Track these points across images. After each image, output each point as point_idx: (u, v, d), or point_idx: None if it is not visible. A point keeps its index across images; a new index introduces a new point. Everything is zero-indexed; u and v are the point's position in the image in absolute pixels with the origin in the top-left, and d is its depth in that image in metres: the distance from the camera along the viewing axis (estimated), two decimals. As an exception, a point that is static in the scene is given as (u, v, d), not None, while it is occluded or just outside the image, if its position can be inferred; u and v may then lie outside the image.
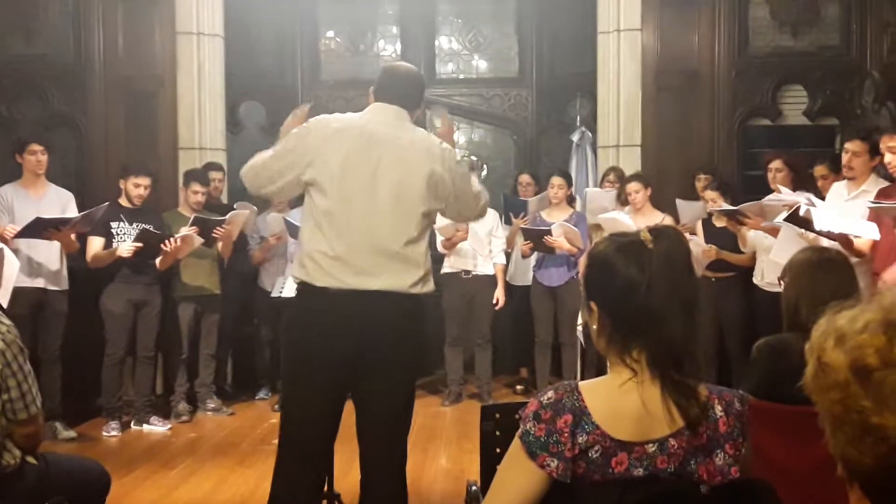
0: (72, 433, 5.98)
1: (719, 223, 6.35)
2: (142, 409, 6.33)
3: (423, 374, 7.66)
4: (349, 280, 3.06)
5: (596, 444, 1.74)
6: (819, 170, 5.85)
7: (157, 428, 6.28)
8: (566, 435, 1.74)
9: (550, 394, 1.79)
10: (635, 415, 1.76)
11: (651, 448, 1.75)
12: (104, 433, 6.10)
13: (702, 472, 1.77)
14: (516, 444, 1.79)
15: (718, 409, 1.79)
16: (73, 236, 5.86)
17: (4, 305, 4.63)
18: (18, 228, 5.64)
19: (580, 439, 1.74)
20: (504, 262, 7.19)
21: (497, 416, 2.73)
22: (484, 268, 7.10)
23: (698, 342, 1.81)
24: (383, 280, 3.07)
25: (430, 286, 3.23)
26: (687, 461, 1.76)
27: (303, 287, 3.15)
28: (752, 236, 5.98)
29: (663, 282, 1.77)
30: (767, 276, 5.79)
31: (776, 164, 6.07)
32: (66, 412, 6.10)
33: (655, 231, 1.83)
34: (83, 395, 6.35)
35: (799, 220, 4.76)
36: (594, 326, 1.86)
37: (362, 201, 3.09)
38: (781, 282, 3.21)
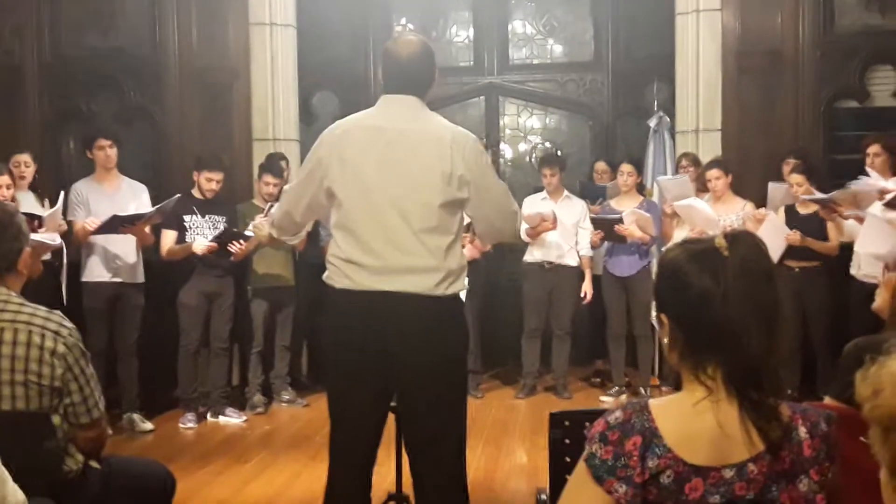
0: (149, 425, 6.06)
1: (804, 210, 6.11)
2: (217, 400, 6.37)
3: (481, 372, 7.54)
4: (365, 281, 2.96)
5: (668, 468, 1.62)
6: None
7: (232, 419, 6.32)
8: (635, 458, 1.63)
9: (618, 413, 1.68)
10: (711, 437, 1.63)
11: (728, 473, 1.62)
12: (181, 425, 6.16)
13: (784, 500, 1.63)
14: (581, 467, 1.68)
15: (802, 430, 1.66)
16: (147, 229, 5.91)
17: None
18: (97, 222, 5.71)
19: (650, 463, 1.63)
20: (591, 253, 6.98)
21: (566, 423, 2.64)
22: (568, 259, 6.95)
23: (779, 357, 1.67)
24: (403, 281, 2.94)
25: (456, 286, 3.04)
26: (768, 488, 1.63)
27: (329, 290, 3.08)
28: (850, 224, 5.71)
29: (740, 292, 1.64)
30: (865, 267, 5.50)
31: (874, 148, 5.74)
32: (144, 404, 6.19)
33: (731, 237, 1.70)
34: (161, 387, 6.43)
35: None
36: (665, 340, 1.74)
37: (371, 201, 2.97)
38: (889, 270, 2.99)
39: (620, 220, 6.55)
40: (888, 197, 4.68)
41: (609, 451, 1.65)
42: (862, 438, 1.39)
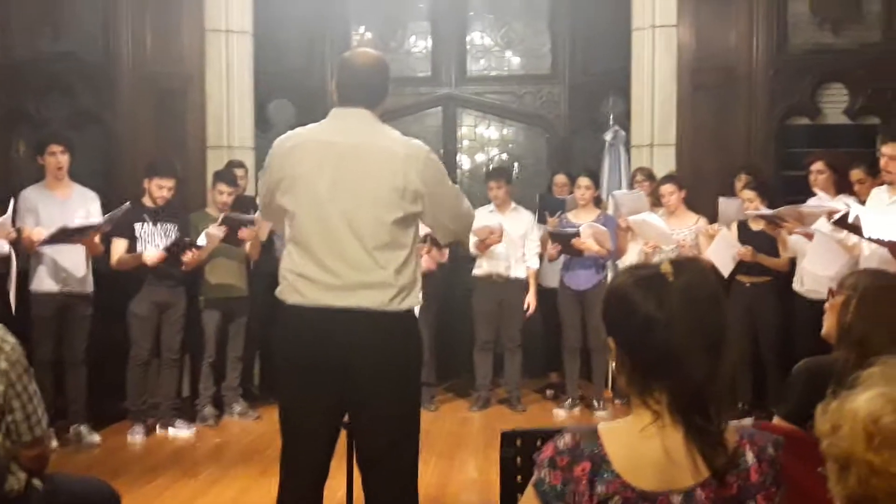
0: (96, 437, 5.93)
1: (756, 226, 6.18)
2: (167, 412, 6.27)
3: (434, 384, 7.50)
4: (316, 297, 2.93)
5: (616, 494, 1.62)
6: (855, 174, 5.64)
7: (181, 432, 6.21)
8: (584, 484, 1.62)
9: (567, 438, 1.67)
10: (658, 462, 1.63)
11: (676, 499, 1.62)
12: (129, 437, 6.04)
13: (731, 526, 1.63)
14: (530, 492, 1.67)
15: (750, 455, 1.66)
16: (97, 239, 5.81)
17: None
18: (45, 232, 5.59)
19: (599, 489, 1.62)
20: (537, 266, 7.02)
21: (518, 442, 2.62)
22: (516, 271, 6.96)
23: (724, 383, 1.66)
24: (356, 296, 2.91)
25: (410, 301, 3.00)
26: (715, 513, 1.63)
27: (281, 305, 3.04)
28: (794, 240, 5.78)
29: (684, 318, 1.63)
30: (808, 283, 5.59)
31: (817, 165, 5.85)
32: (92, 416, 6.05)
33: (677, 262, 1.70)
34: (109, 399, 6.30)
35: (847, 226, 4.59)
36: (613, 364, 1.74)
37: (323, 217, 2.94)
38: (833, 295, 3.01)
39: (577, 234, 6.57)
40: (836, 216, 4.73)
41: (558, 477, 1.64)
42: (820, 470, 1.40)
